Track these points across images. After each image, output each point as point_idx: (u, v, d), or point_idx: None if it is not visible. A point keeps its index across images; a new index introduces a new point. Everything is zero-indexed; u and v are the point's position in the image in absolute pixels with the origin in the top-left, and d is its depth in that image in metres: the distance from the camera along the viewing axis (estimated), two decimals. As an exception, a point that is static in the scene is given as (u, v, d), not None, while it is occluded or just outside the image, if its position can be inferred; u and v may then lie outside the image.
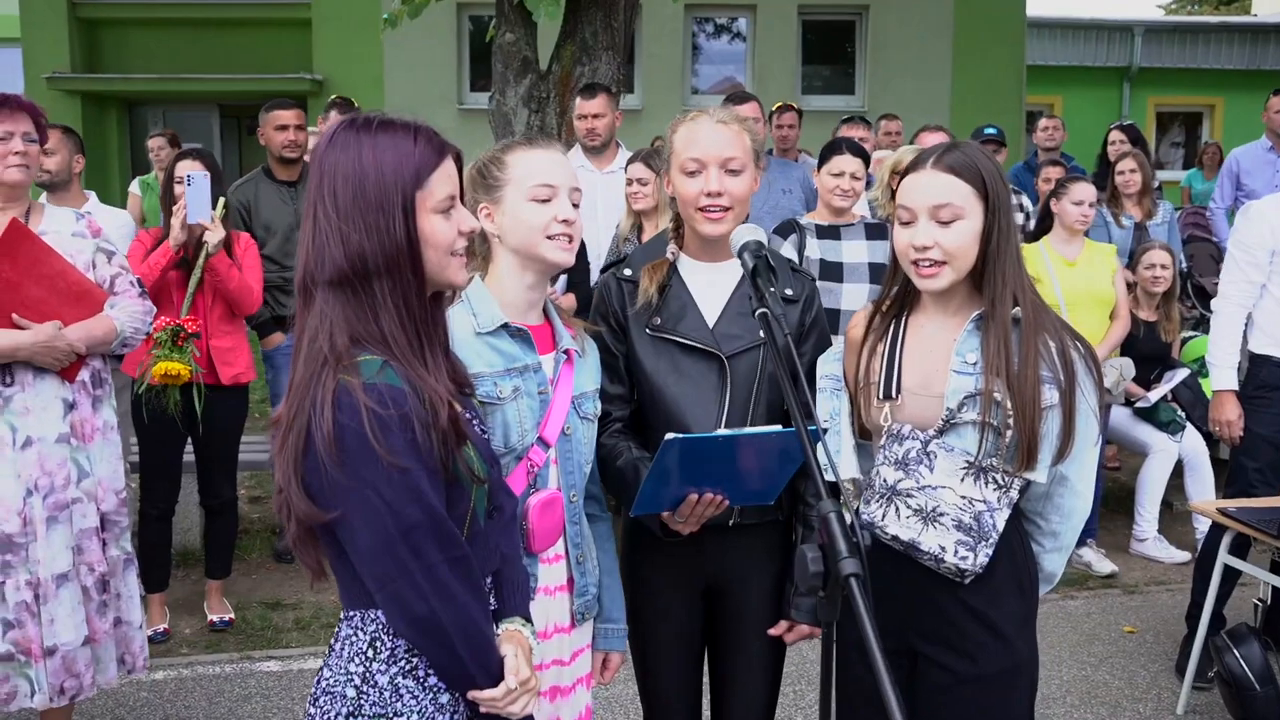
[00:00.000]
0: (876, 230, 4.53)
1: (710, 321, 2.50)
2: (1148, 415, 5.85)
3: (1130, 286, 5.85)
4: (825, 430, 2.19)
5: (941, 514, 2.21)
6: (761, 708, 2.64)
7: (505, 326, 2.26)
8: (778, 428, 2.18)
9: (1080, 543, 5.73)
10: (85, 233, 3.39)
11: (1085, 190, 5.59)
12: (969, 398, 2.22)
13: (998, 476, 2.22)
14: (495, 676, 1.82)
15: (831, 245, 4.51)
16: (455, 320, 2.26)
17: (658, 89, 12.73)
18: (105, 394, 3.35)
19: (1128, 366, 5.66)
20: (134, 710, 4.11)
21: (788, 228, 4.62)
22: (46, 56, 13.00)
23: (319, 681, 1.86)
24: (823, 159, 4.61)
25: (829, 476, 2.38)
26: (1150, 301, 5.94)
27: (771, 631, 2.57)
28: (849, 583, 1.60)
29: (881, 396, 2.32)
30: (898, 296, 2.39)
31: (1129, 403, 5.87)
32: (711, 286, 2.52)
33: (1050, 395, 2.20)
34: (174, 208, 4.32)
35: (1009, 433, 2.19)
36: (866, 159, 4.65)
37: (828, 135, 5.83)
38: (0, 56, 15.43)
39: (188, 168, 4.46)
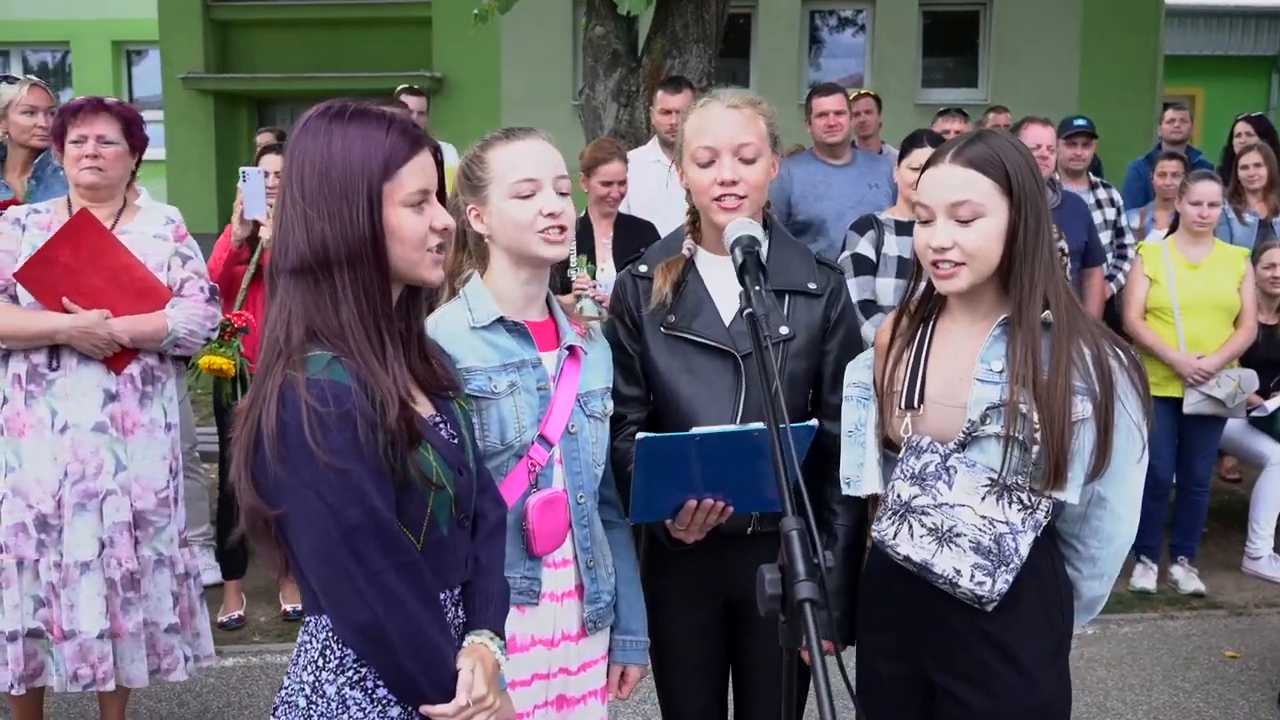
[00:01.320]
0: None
1: (726, 318, 2.38)
2: (1265, 425, 5.48)
3: (1250, 287, 5.48)
4: (815, 429, 2.05)
5: (958, 534, 2.05)
6: None
7: (501, 321, 2.20)
8: (753, 425, 2.05)
9: (1172, 558, 5.41)
10: (168, 236, 3.45)
11: (1204, 190, 5.25)
12: (992, 409, 2.06)
13: (1023, 496, 2.05)
14: (447, 691, 1.74)
15: (911, 242, 4.32)
16: (450, 315, 2.22)
17: (774, 83, 12.50)
18: (157, 392, 3.36)
19: (1248, 379, 5.25)
20: (200, 696, 4.19)
21: (865, 224, 4.45)
22: (182, 57, 13.48)
23: (280, 690, 1.83)
24: (903, 152, 4.43)
25: (857, 489, 2.31)
26: (1270, 304, 5.56)
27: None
28: (803, 609, 1.48)
29: (903, 406, 2.17)
30: (924, 299, 2.24)
31: (1246, 412, 5.49)
32: (729, 282, 2.39)
33: (1083, 407, 2.02)
34: (235, 203, 4.40)
35: (1035, 448, 2.02)
36: (949, 152, 4.43)
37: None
38: (151, 58, 16.20)
39: (269, 162, 4.55)
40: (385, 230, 1.73)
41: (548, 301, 2.34)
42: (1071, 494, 2.04)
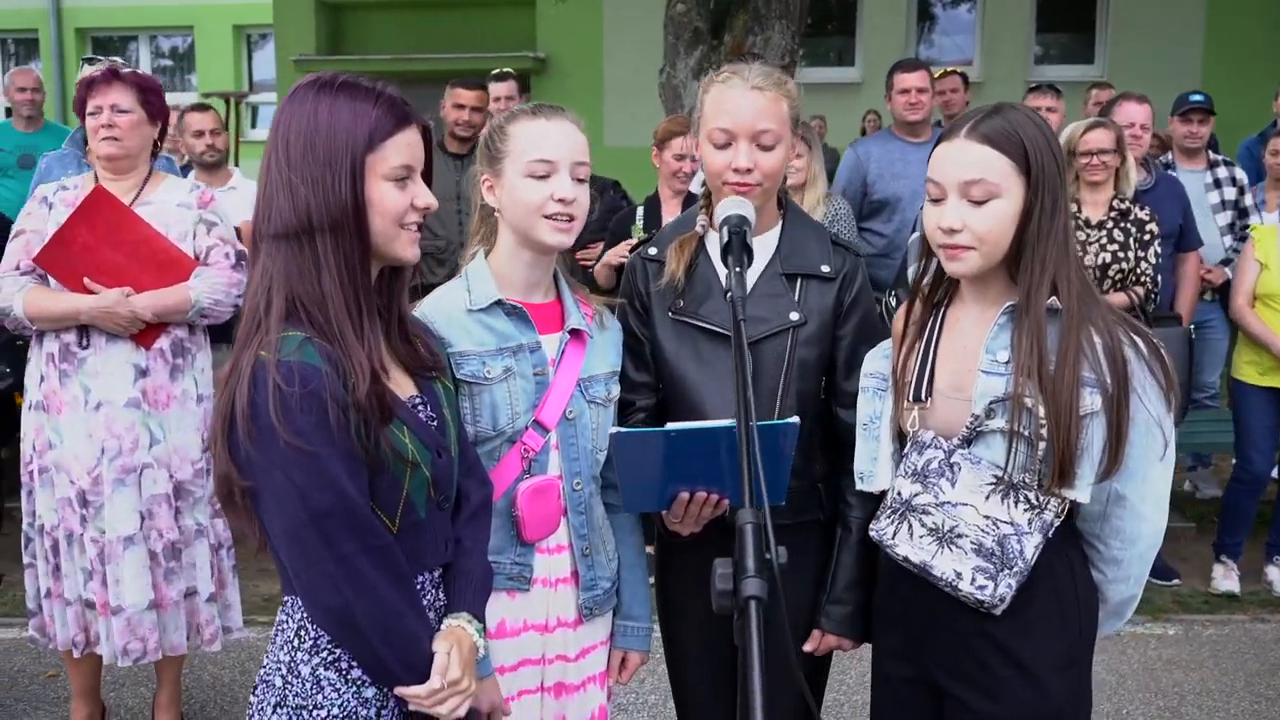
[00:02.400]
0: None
1: None
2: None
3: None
4: (797, 425, 1.96)
5: (960, 535, 1.95)
6: None
7: (500, 304, 2.16)
8: (721, 422, 1.97)
9: (1268, 559, 5.13)
10: (191, 204, 3.41)
11: None
12: (997, 402, 1.94)
13: (1030, 495, 1.93)
14: (421, 673, 1.74)
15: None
16: (448, 295, 2.20)
17: (880, 60, 12.15)
18: (188, 364, 3.37)
19: None
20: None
21: (937, 206, 4.30)
22: (295, 41, 13.82)
23: (260, 669, 1.84)
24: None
25: (870, 484, 2.21)
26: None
27: (805, 647, 2.36)
28: (747, 606, 1.42)
29: (911, 399, 2.07)
30: (936, 284, 2.12)
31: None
32: None
33: (1092, 400, 1.89)
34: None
35: (1043, 444, 1.90)
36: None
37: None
38: (271, 42, 16.65)
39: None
40: (366, 202, 1.73)
41: (557, 283, 2.29)
42: (1081, 493, 1.92)
